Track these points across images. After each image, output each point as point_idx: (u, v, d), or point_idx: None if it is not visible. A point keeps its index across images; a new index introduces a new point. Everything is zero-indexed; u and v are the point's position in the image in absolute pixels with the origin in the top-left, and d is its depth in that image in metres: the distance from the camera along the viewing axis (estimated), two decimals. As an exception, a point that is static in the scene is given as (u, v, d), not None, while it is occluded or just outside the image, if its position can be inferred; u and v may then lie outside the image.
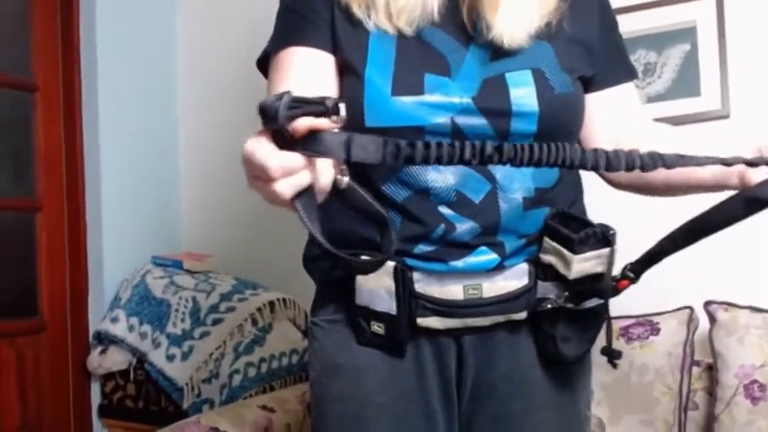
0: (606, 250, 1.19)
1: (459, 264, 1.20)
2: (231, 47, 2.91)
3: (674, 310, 2.03)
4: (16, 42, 2.73)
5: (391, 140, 0.85)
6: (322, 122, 0.82)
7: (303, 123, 0.81)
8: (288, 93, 0.83)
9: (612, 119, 1.32)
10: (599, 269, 1.18)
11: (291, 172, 0.83)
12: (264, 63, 1.30)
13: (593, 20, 1.29)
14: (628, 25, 2.28)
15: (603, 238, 1.19)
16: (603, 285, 1.20)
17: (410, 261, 1.21)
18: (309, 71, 1.23)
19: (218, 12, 3.00)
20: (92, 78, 2.75)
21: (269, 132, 0.84)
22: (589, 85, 1.30)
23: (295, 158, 0.83)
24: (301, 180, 0.84)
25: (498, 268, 1.21)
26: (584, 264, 1.18)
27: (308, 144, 0.83)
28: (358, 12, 1.22)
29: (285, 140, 0.83)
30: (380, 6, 1.20)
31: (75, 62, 2.75)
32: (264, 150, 0.83)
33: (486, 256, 1.20)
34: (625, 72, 1.36)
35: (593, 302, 1.21)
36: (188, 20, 3.06)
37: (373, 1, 1.21)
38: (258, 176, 0.84)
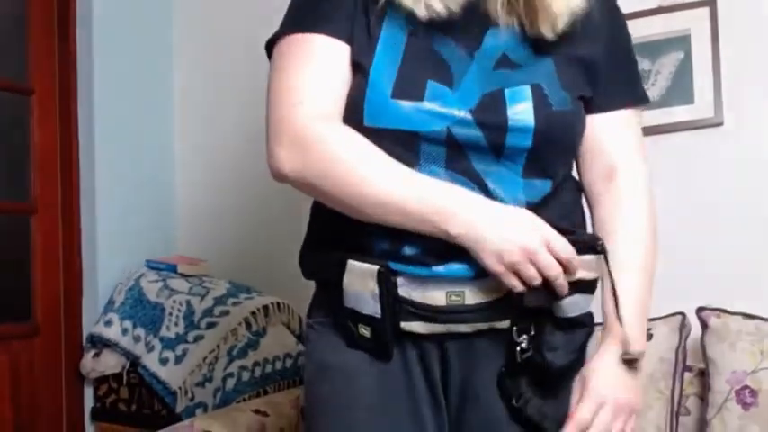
0: (591, 257, 1.19)
1: (440, 269, 1.20)
2: (228, 45, 2.91)
3: (666, 316, 2.04)
4: (12, 45, 2.73)
5: None
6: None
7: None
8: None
9: (603, 148, 1.31)
10: (586, 276, 1.19)
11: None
12: (274, 42, 1.28)
13: (599, 40, 1.28)
14: (622, 33, 2.30)
15: (590, 247, 1.20)
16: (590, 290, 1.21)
17: (394, 264, 1.21)
18: (337, 65, 1.23)
19: (214, 11, 3.01)
20: (88, 82, 2.75)
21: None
22: (590, 105, 1.29)
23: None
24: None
25: (482, 275, 1.21)
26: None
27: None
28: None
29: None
30: None
31: (72, 65, 2.75)
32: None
33: (468, 264, 1.19)
34: (625, 96, 1.33)
35: (577, 311, 1.22)
36: (184, 23, 3.06)
37: None
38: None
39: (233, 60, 2.89)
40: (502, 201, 1.20)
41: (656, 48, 2.32)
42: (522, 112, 1.18)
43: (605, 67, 1.29)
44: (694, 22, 2.29)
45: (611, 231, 1.28)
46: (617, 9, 1.36)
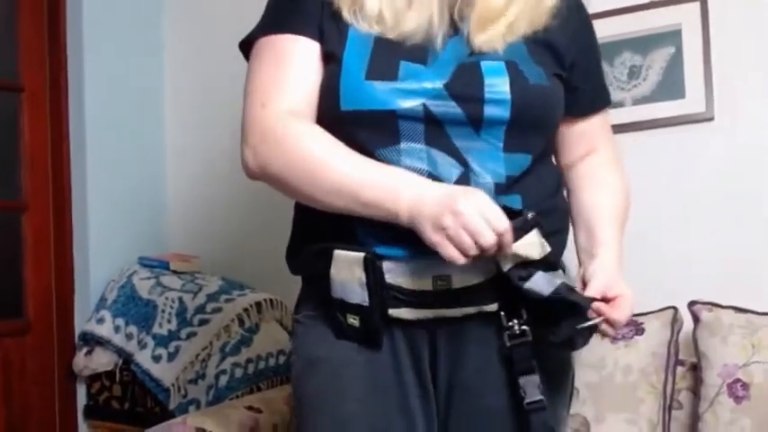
0: (534, 234, 1.20)
1: (426, 249, 1.20)
2: (219, 42, 2.90)
3: (658, 311, 2.04)
4: (3, 43, 2.72)
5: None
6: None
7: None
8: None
9: (584, 138, 1.43)
10: (529, 254, 1.19)
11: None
12: (249, 43, 1.33)
13: (565, 36, 1.33)
14: (613, 28, 2.30)
15: (535, 223, 1.20)
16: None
17: (380, 249, 1.22)
18: (306, 62, 1.27)
19: (205, 9, 2.99)
20: (78, 78, 2.74)
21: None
22: (571, 110, 1.37)
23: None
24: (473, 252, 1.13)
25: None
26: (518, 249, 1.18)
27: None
28: (347, 16, 1.26)
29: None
30: (370, 15, 1.25)
31: (62, 62, 2.75)
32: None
33: None
34: (600, 102, 1.45)
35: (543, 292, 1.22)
36: (175, 21, 3.05)
37: (362, 6, 1.25)
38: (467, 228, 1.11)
39: (223, 58, 2.86)
40: (482, 175, 1.22)
41: (647, 43, 2.32)
42: (498, 84, 1.22)
43: (578, 71, 1.35)
44: (685, 16, 2.28)
45: (590, 189, 1.40)
46: (582, 9, 1.41)
